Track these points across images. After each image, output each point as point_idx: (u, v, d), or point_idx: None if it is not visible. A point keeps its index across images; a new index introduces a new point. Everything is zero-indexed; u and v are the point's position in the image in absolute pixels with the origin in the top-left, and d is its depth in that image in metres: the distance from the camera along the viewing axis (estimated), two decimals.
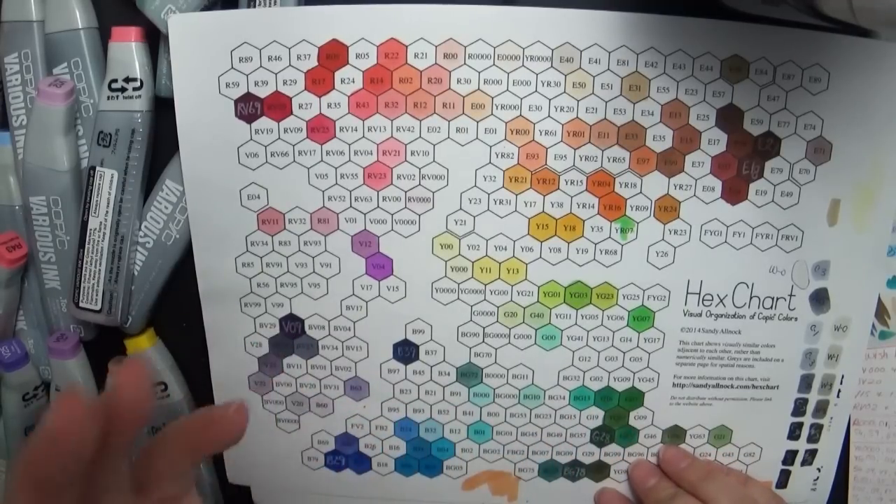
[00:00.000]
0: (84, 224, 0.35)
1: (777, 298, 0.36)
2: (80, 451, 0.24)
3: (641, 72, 0.32)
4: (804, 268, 0.35)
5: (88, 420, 0.24)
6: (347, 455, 0.39)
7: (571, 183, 0.34)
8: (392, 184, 0.34)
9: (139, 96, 0.33)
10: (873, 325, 0.37)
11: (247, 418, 0.28)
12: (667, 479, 0.37)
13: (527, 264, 0.35)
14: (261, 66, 0.33)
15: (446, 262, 0.35)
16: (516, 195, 0.34)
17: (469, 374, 0.37)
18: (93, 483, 0.24)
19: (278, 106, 0.33)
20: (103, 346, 0.38)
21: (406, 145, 0.33)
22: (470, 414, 0.37)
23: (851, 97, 0.33)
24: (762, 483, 0.38)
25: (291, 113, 0.33)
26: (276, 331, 0.37)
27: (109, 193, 0.34)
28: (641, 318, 0.36)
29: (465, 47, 0.32)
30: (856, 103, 0.33)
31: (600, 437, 0.38)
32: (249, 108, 0.33)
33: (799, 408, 0.38)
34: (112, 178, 0.34)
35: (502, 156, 0.33)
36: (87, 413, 0.23)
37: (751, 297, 0.36)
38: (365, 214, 0.34)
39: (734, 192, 0.34)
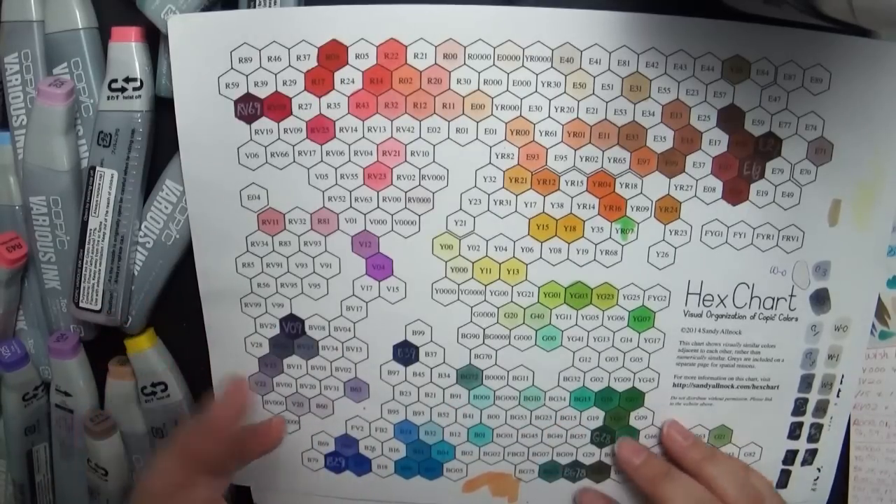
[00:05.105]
0: (84, 224, 0.35)
1: (778, 299, 0.36)
2: (230, 438, 0.32)
3: (642, 72, 0.32)
4: (805, 268, 0.35)
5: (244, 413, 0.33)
6: (347, 456, 0.39)
7: (572, 183, 0.34)
8: (392, 184, 0.34)
9: (139, 96, 0.33)
10: (873, 325, 0.37)
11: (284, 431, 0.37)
12: (655, 457, 0.37)
13: (527, 265, 0.35)
14: (260, 67, 0.33)
15: (446, 262, 0.35)
16: (516, 195, 0.34)
17: (469, 376, 0.37)
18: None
19: (278, 106, 0.33)
20: (103, 346, 0.38)
21: (406, 145, 0.33)
22: (470, 416, 0.37)
23: (853, 97, 0.33)
24: (762, 475, 0.38)
25: (291, 113, 0.33)
26: (277, 331, 0.37)
27: (109, 193, 0.34)
28: (642, 319, 0.36)
29: (465, 47, 0.32)
30: (857, 103, 0.33)
31: (601, 437, 0.38)
32: (249, 108, 0.33)
33: (799, 408, 0.38)
34: (112, 178, 0.34)
35: (502, 156, 0.33)
36: (245, 407, 0.33)
37: (751, 298, 0.36)
38: (365, 215, 0.34)
39: (735, 193, 0.34)
